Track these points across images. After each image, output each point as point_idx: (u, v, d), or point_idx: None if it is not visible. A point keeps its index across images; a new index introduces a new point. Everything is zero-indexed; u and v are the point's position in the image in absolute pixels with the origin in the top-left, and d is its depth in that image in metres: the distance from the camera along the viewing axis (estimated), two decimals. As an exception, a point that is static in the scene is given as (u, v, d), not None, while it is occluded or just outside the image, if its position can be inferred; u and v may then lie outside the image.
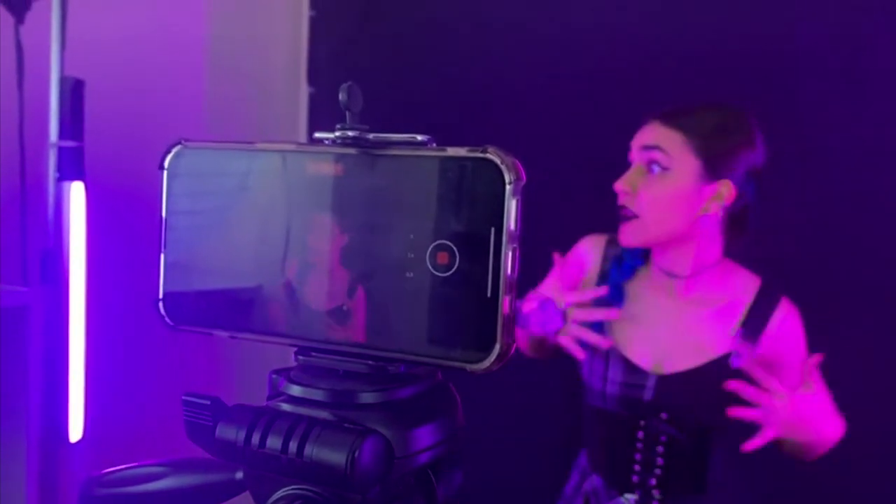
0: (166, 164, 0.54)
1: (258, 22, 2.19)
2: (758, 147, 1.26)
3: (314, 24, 2.25)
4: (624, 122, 1.65)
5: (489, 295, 0.45)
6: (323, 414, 0.46)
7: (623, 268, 1.34)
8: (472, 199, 0.45)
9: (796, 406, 1.15)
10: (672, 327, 1.31)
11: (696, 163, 1.23)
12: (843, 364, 1.21)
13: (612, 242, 1.38)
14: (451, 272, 0.46)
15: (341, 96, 0.48)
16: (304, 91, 2.28)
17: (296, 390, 0.47)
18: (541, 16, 1.88)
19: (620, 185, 1.26)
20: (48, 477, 1.54)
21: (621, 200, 1.26)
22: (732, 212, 1.27)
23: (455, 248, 0.46)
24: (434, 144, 0.48)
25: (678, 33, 1.70)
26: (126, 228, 1.76)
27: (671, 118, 1.25)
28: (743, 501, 1.40)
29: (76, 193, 1.54)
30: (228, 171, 0.52)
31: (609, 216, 1.28)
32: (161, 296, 0.54)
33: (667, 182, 1.24)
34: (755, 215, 1.29)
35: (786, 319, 1.28)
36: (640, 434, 1.30)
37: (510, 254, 0.45)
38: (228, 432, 0.45)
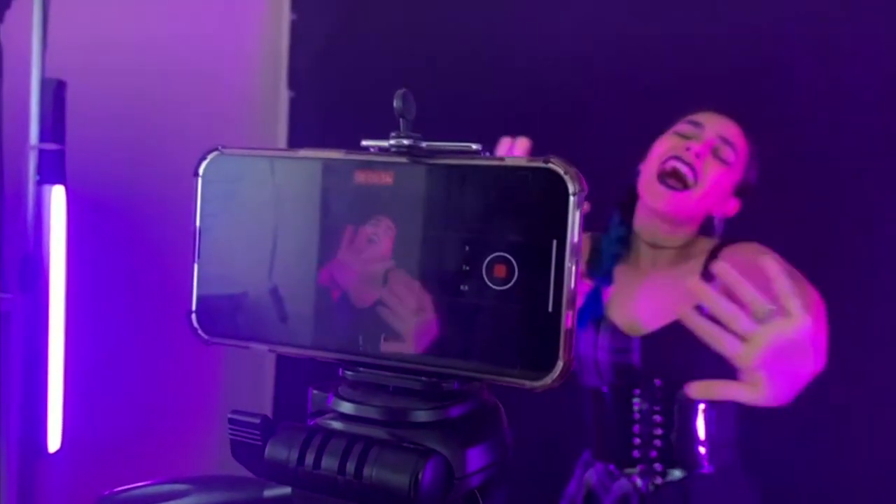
0: (201, 170, 0.52)
1: (238, 25, 2.16)
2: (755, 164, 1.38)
3: (295, 27, 2.23)
4: (618, 127, 1.65)
5: (550, 309, 0.43)
6: (378, 433, 0.44)
7: (610, 254, 1.41)
8: (532, 210, 0.44)
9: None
10: (652, 294, 1.36)
11: (741, 175, 1.34)
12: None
13: (595, 238, 1.44)
14: (509, 285, 0.44)
15: (396, 103, 0.46)
16: (284, 95, 2.26)
17: (346, 407, 0.46)
18: (526, 18, 1.88)
19: (698, 148, 1.30)
20: (26, 487, 1.50)
21: (688, 158, 1.30)
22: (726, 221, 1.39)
23: (514, 261, 0.44)
24: (486, 153, 0.46)
25: (671, 35, 1.70)
26: (108, 233, 1.72)
27: (744, 124, 1.34)
28: (742, 475, 1.40)
29: (57, 197, 1.50)
30: (267, 178, 0.50)
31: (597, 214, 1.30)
32: (194, 307, 0.52)
33: (726, 173, 1.32)
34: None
35: (734, 249, 1.32)
36: (637, 404, 1.32)
37: (573, 267, 0.43)
38: (279, 452, 0.44)
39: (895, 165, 1.56)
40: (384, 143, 0.47)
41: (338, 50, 2.15)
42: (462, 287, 0.45)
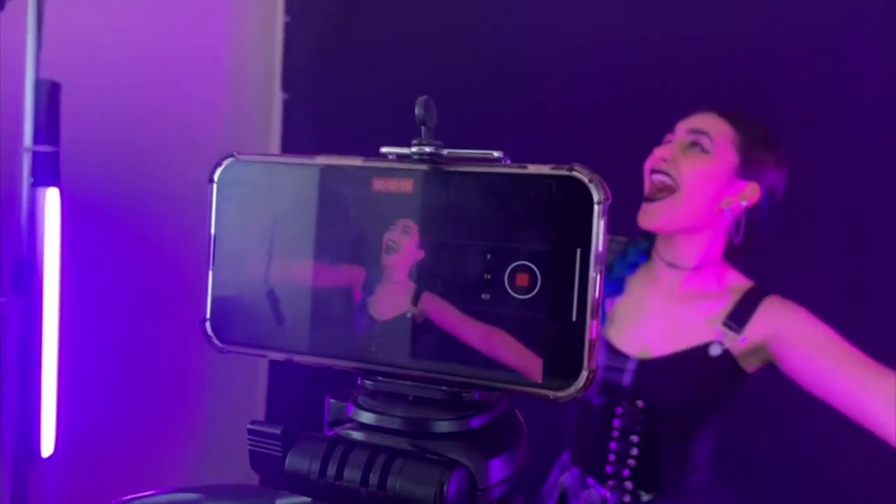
0: (216, 177, 0.51)
1: (233, 27, 2.15)
2: (784, 171, 1.32)
3: (289, 29, 2.22)
4: (618, 128, 1.64)
5: (574, 319, 0.43)
6: (400, 443, 0.44)
7: (628, 263, 1.37)
8: (555, 218, 0.44)
9: None
10: (662, 317, 1.35)
11: (735, 157, 1.28)
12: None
13: (614, 241, 1.42)
14: (531, 294, 0.44)
15: (417, 110, 0.46)
16: (278, 97, 2.25)
17: (367, 417, 0.45)
18: (525, 18, 1.88)
19: (662, 153, 1.29)
20: (19, 492, 1.48)
21: (659, 165, 1.28)
22: (745, 218, 1.30)
23: (537, 270, 0.44)
24: (508, 160, 0.46)
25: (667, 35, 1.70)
26: (102, 236, 1.71)
27: (724, 111, 1.30)
28: (719, 492, 1.40)
29: (51, 199, 1.48)
30: (283, 185, 0.50)
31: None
32: (208, 315, 0.51)
33: (707, 160, 1.27)
34: (761, 233, 1.32)
35: (774, 305, 1.29)
36: (616, 422, 1.32)
37: (597, 276, 0.43)
38: (300, 463, 0.43)
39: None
40: (405, 151, 0.46)
41: (332, 52, 2.15)
42: (484, 296, 0.45)
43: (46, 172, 1.48)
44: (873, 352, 1.21)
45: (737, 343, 1.28)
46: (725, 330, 1.29)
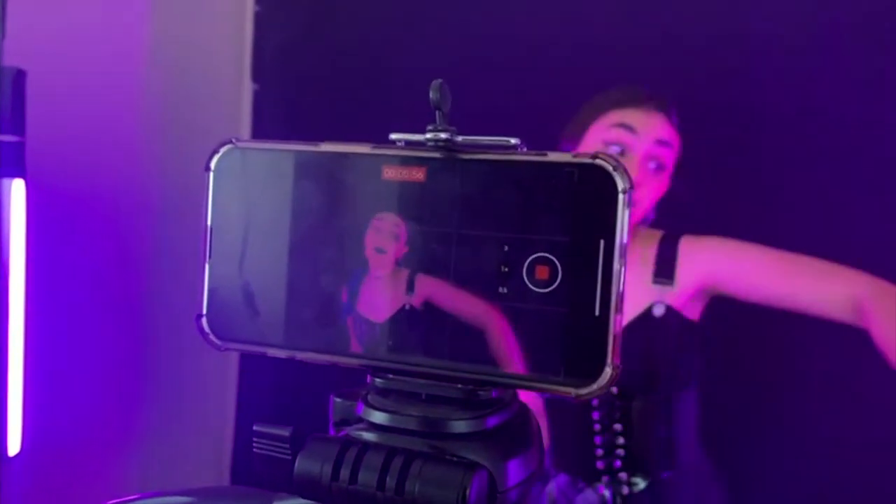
0: (213, 165, 0.49)
1: (201, 16, 2.10)
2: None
3: (259, 18, 2.18)
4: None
5: (597, 313, 0.41)
6: (416, 444, 0.42)
7: None
8: (578, 208, 0.42)
9: None
10: None
11: (673, 163, 1.27)
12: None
13: None
14: (552, 288, 0.42)
15: (432, 94, 0.43)
16: (248, 88, 2.20)
17: (379, 417, 0.43)
18: (501, 8, 1.86)
19: (632, 166, 1.26)
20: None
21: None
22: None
23: (557, 262, 0.42)
24: (524, 148, 0.44)
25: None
26: (70, 229, 1.66)
27: (669, 113, 1.28)
28: (712, 479, 1.41)
29: (16, 191, 1.44)
30: (284, 173, 0.47)
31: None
32: (205, 311, 0.48)
33: (663, 178, 1.26)
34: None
35: (691, 245, 1.30)
36: (596, 415, 1.31)
37: (621, 268, 0.41)
38: (311, 466, 0.41)
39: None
40: (420, 137, 0.44)
41: (304, 42, 2.11)
42: (501, 290, 0.43)
43: (11, 163, 1.44)
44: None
45: (675, 294, 1.27)
46: (658, 287, 1.29)
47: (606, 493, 1.31)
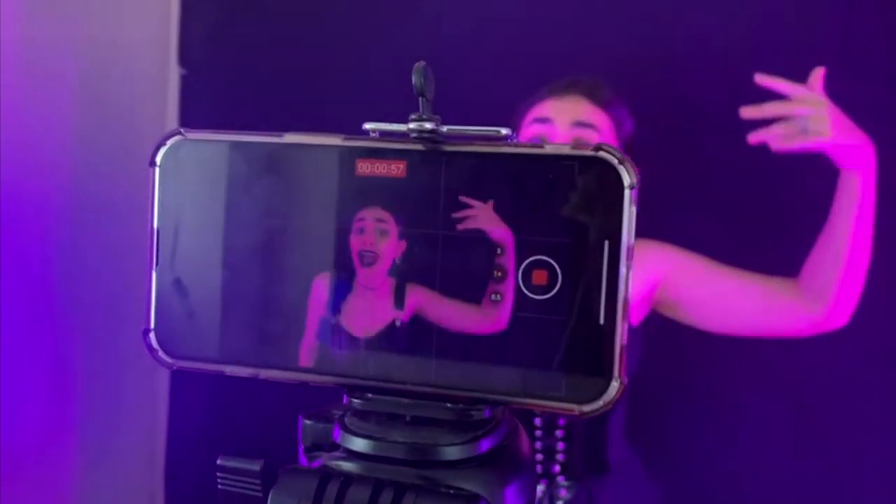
0: (159, 159, 0.43)
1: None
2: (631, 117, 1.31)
3: (186, 1, 2.08)
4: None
5: (602, 321, 0.37)
6: (403, 475, 0.37)
7: None
8: (579, 206, 0.38)
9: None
10: None
11: (614, 142, 1.23)
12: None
13: None
14: (551, 294, 0.38)
15: (415, 79, 0.38)
16: (174, 73, 2.11)
17: (360, 444, 0.38)
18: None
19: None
20: None
21: None
22: None
23: (556, 265, 0.38)
24: (515, 138, 0.40)
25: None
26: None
27: (596, 96, 1.23)
28: (642, 479, 1.41)
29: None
30: (241, 169, 0.42)
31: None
32: (152, 325, 0.43)
33: None
34: None
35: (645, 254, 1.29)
36: (537, 421, 1.29)
37: (627, 272, 0.37)
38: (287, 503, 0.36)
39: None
40: (401, 128, 0.39)
41: (233, 24, 2.02)
42: (494, 297, 0.38)
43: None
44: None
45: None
46: None
47: (544, 497, 1.29)
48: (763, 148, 1.14)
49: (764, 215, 1.52)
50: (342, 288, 0.40)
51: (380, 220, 0.40)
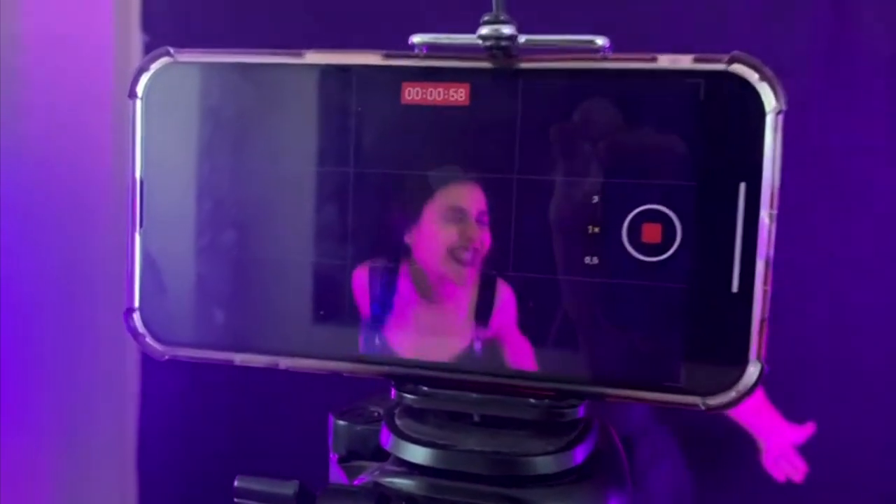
0: (141, 89, 0.33)
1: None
2: None
3: (148, -39, 1.96)
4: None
5: (736, 289, 0.28)
6: (480, 494, 0.28)
7: None
8: (703, 138, 0.28)
9: None
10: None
11: None
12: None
13: None
14: (666, 255, 0.29)
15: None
16: (137, 39, 1.98)
17: (422, 455, 0.29)
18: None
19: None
20: None
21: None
22: None
23: (675, 218, 0.29)
24: (611, 50, 0.30)
25: None
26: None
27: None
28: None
29: None
30: (250, 98, 0.32)
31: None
32: (137, 304, 0.33)
33: None
34: None
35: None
36: None
37: (771, 223, 0.28)
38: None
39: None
40: (465, 38, 0.30)
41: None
42: (589, 260, 0.29)
43: None
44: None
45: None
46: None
47: None
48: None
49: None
50: (399, 272, 0.31)
51: (440, 170, 0.30)
